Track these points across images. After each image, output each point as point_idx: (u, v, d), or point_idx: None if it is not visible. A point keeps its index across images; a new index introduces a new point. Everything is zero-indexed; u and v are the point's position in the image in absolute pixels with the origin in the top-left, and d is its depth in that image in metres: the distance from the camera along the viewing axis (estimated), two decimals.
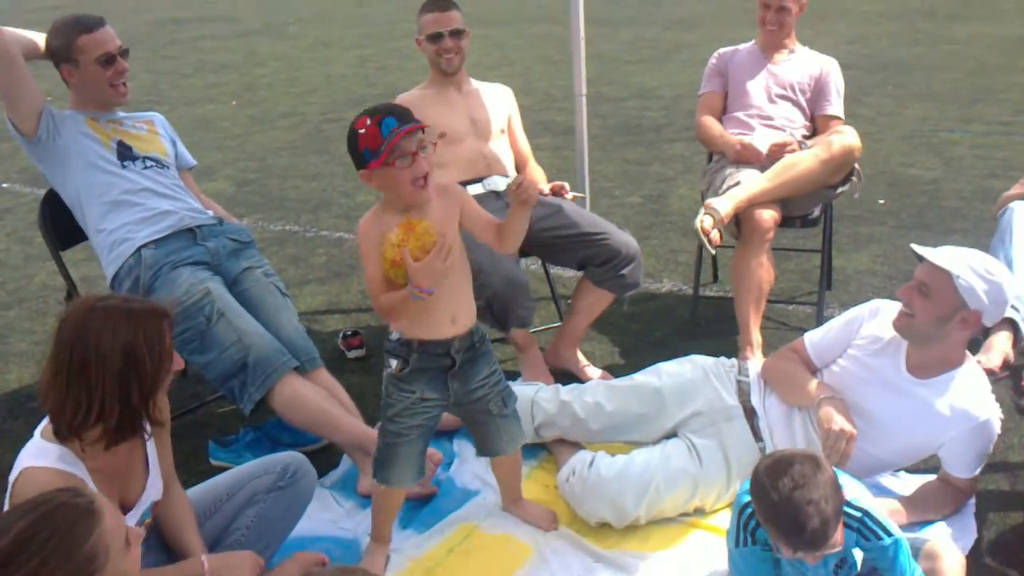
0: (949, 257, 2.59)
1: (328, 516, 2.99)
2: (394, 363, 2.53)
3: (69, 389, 2.06)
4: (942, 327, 2.62)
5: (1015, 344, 3.48)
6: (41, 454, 2.11)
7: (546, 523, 2.87)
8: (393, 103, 2.41)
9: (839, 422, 2.61)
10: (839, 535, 2.14)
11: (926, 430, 2.71)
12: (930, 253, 2.61)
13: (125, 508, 2.25)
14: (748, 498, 2.24)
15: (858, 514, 2.24)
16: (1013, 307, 3.47)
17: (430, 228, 2.34)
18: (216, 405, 3.73)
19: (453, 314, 2.51)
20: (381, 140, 2.32)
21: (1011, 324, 3.50)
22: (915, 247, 2.66)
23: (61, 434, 2.11)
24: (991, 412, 2.67)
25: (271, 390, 3.10)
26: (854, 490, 2.28)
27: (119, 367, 2.07)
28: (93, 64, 3.35)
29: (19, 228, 6.24)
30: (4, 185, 7.39)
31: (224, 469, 2.76)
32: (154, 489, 2.35)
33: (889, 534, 2.24)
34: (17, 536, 1.66)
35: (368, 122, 2.34)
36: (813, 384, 2.79)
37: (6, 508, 2.03)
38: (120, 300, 2.16)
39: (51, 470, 2.08)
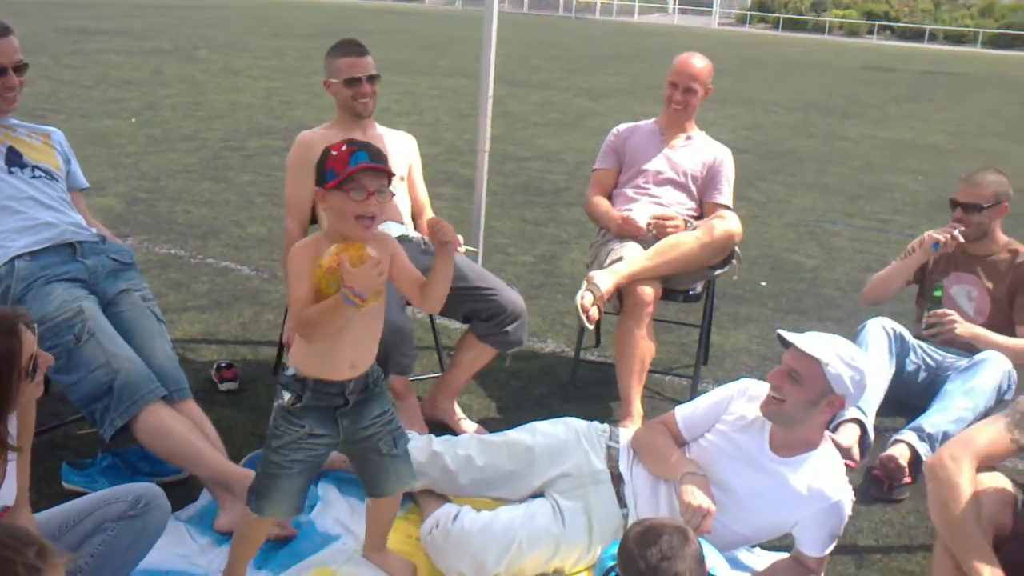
0: (818, 345, 2.71)
1: (180, 551, 2.89)
2: (287, 396, 2.50)
3: None
4: (809, 410, 2.74)
5: (860, 441, 3.69)
6: None
7: (404, 574, 2.83)
8: (375, 146, 2.43)
9: (698, 498, 2.68)
10: None
11: (783, 507, 2.79)
12: (798, 340, 2.72)
13: None
14: (612, 563, 2.27)
15: None
16: (860, 409, 3.70)
17: (366, 249, 2.36)
18: (76, 426, 3.59)
19: (354, 361, 2.51)
20: (345, 167, 2.35)
21: (859, 424, 3.73)
22: (783, 333, 2.78)
23: None
24: (844, 494, 2.78)
25: (135, 417, 3.01)
26: (713, 559, 2.34)
27: None
28: None
29: None
30: None
31: (77, 493, 2.67)
32: (6, 494, 2.25)
33: None
34: None
35: (343, 148, 2.38)
36: (677, 458, 2.86)
37: None
38: None
39: None
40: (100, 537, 2.47)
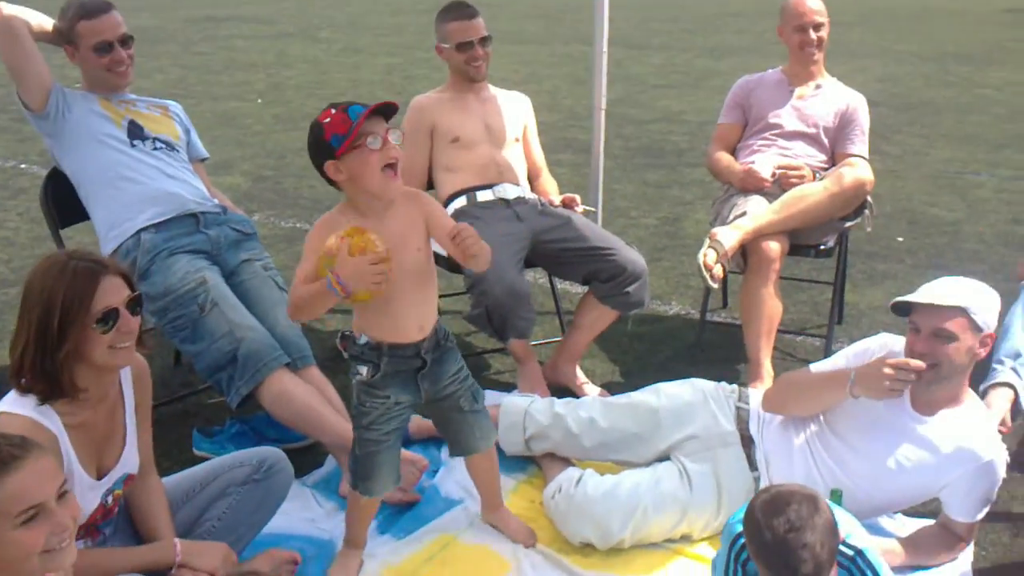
0: (947, 293, 2.55)
1: (307, 515, 2.92)
2: (364, 370, 2.46)
3: (18, 325, 2.11)
4: (969, 361, 2.58)
5: (1014, 405, 3.42)
6: (18, 403, 2.10)
7: (524, 538, 2.79)
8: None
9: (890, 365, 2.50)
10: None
11: (930, 468, 2.62)
12: (927, 298, 2.55)
13: (100, 474, 2.23)
14: (741, 528, 2.16)
15: (851, 552, 2.15)
16: (1014, 370, 3.43)
17: (378, 240, 2.25)
18: (206, 395, 3.67)
19: (421, 323, 2.47)
20: (350, 123, 2.26)
21: (1010, 387, 3.46)
22: (901, 299, 2.60)
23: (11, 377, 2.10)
24: (997, 453, 2.59)
25: (260, 385, 3.04)
26: (848, 526, 2.19)
27: (37, 315, 2.07)
28: (89, 50, 3.34)
29: (32, 208, 6.23)
30: (23, 166, 7.41)
31: (207, 460, 2.71)
32: (129, 462, 2.31)
33: None
34: None
35: (333, 111, 2.29)
36: (830, 375, 2.70)
37: None
38: (67, 254, 2.16)
39: (24, 417, 2.06)
40: (226, 501, 2.52)
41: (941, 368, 2.54)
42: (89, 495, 2.20)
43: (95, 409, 2.21)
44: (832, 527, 2.03)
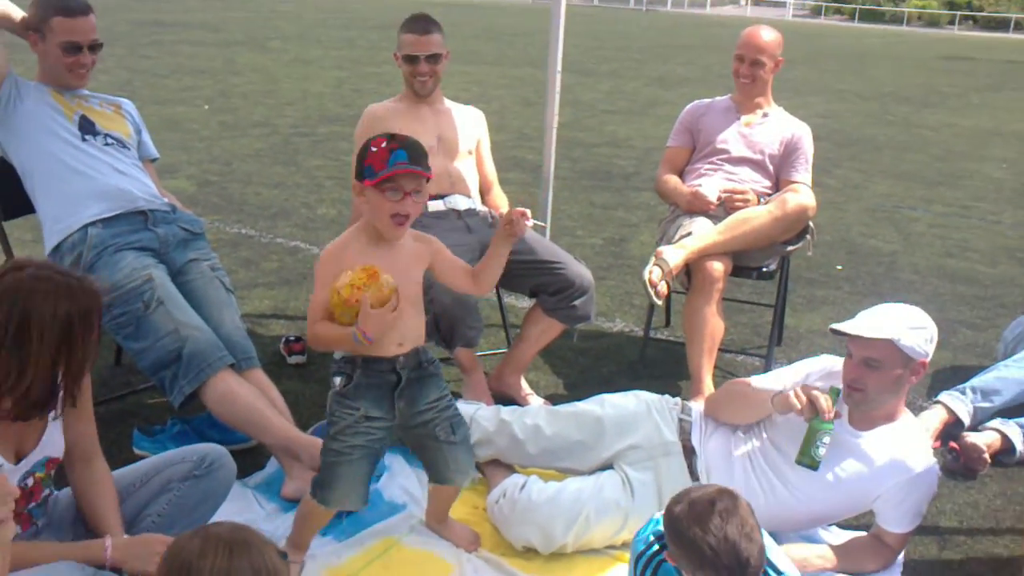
0: (879, 324, 2.62)
1: (247, 516, 2.88)
2: (338, 380, 2.47)
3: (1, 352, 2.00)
4: (896, 387, 2.67)
5: (946, 425, 3.58)
6: None
7: (468, 543, 2.80)
8: (417, 141, 2.40)
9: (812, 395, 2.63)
10: None
11: (864, 479, 2.69)
12: (857, 328, 2.63)
13: (17, 458, 2.18)
14: (641, 548, 2.19)
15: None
16: (959, 393, 3.59)
17: (391, 283, 2.32)
18: (146, 395, 3.62)
19: (400, 339, 2.48)
20: (384, 166, 2.33)
21: (944, 407, 3.63)
22: (835, 327, 2.68)
23: None
24: (928, 466, 2.67)
25: (204, 384, 3.01)
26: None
27: (55, 340, 2.03)
28: (57, 46, 3.30)
29: None
30: None
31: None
32: (50, 445, 2.25)
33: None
34: None
35: (383, 144, 2.35)
36: (764, 394, 2.79)
37: None
38: (59, 273, 2.10)
39: None
40: (167, 496, 2.48)
41: (868, 392, 2.64)
42: (9, 480, 2.14)
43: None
44: (750, 507, 2.05)
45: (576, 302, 3.61)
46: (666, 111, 11.55)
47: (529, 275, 3.63)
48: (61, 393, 2.13)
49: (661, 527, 2.14)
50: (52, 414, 2.24)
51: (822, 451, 2.61)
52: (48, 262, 2.19)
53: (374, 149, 2.35)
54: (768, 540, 2.16)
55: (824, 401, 2.60)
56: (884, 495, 2.68)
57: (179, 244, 3.37)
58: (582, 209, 6.91)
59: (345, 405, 2.48)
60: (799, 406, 2.61)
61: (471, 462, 2.71)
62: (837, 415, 2.64)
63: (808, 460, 2.62)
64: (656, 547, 2.17)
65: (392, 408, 2.51)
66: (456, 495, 2.83)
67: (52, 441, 2.26)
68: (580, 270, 3.64)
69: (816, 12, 63.69)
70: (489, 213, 3.87)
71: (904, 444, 2.68)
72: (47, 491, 2.30)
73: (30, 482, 2.22)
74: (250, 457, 3.19)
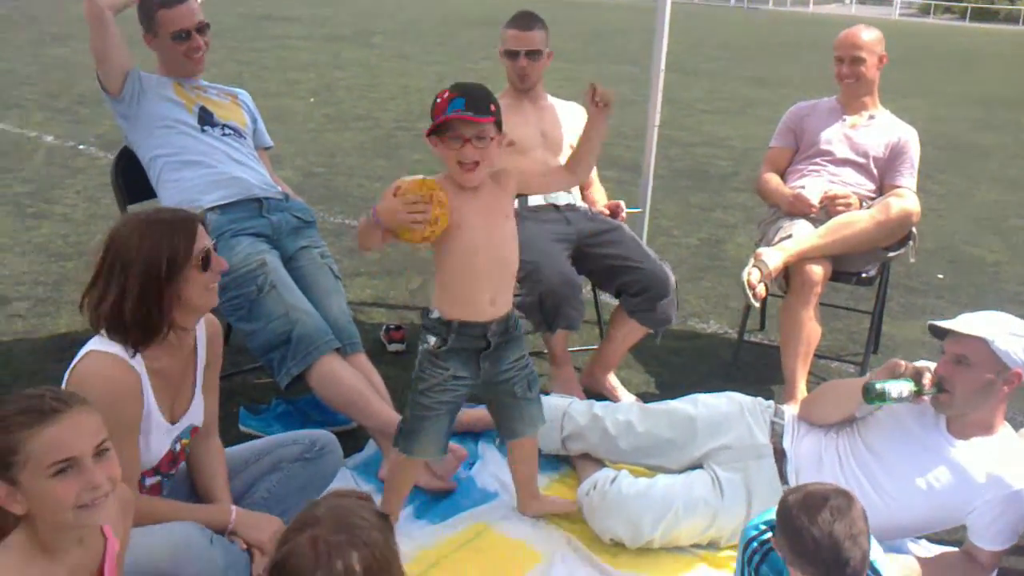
0: (978, 324, 2.59)
1: None
2: (432, 340, 2.58)
3: (100, 282, 2.20)
4: (985, 394, 2.61)
5: None
6: (107, 344, 2.21)
7: (566, 510, 2.92)
8: (480, 88, 2.44)
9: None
10: None
11: (958, 491, 2.66)
12: (955, 324, 2.61)
13: (172, 420, 2.35)
14: (753, 533, 2.22)
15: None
16: None
17: (430, 187, 2.41)
18: (253, 376, 3.78)
19: (493, 296, 2.56)
20: (442, 114, 2.39)
21: None
22: (935, 322, 2.66)
23: (93, 324, 2.22)
24: None
25: (310, 366, 3.14)
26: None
27: (140, 269, 2.18)
28: (168, 38, 3.49)
29: (89, 188, 6.42)
30: (80, 147, 7.61)
31: (252, 437, 2.80)
32: (196, 413, 2.43)
33: None
34: None
35: (446, 94, 2.41)
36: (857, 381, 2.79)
37: (64, 385, 2.14)
38: (153, 211, 2.30)
39: (115, 356, 2.19)
40: (277, 475, 2.62)
41: (955, 395, 2.61)
42: (163, 438, 2.33)
43: (173, 357, 2.33)
44: (865, 516, 2.04)
45: (657, 305, 3.62)
46: (765, 111, 11.41)
47: (612, 273, 3.67)
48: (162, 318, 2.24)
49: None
50: (197, 385, 2.41)
51: (891, 399, 2.63)
52: (158, 208, 2.38)
53: (438, 100, 2.42)
54: (879, 552, 2.17)
55: (928, 376, 2.63)
56: (979, 509, 2.64)
57: (291, 231, 3.52)
58: (679, 209, 6.90)
59: (436, 364, 2.59)
60: (903, 365, 2.66)
61: (542, 417, 2.82)
62: (921, 399, 2.66)
63: (877, 391, 2.63)
64: (769, 534, 2.20)
65: (478, 369, 2.62)
66: (536, 454, 2.92)
67: (197, 410, 2.44)
68: (661, 271, 3.64)
69: (924, 11, 61.65)
70: (588, 209, 3.92)
71: (1003, 458, 2.64)
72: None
73: (178, 447, 2.41)
74: (351, 439, 3.31)
